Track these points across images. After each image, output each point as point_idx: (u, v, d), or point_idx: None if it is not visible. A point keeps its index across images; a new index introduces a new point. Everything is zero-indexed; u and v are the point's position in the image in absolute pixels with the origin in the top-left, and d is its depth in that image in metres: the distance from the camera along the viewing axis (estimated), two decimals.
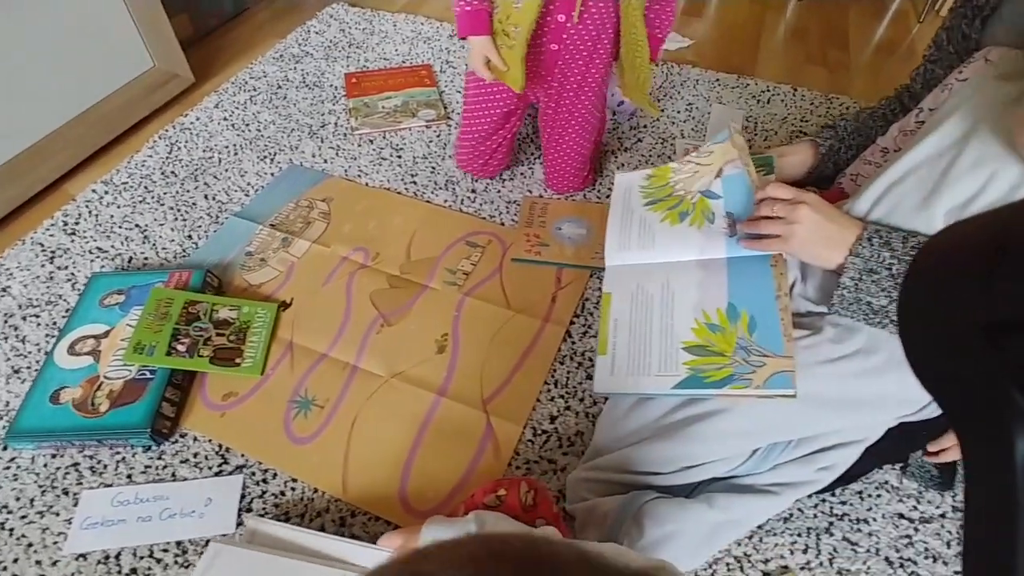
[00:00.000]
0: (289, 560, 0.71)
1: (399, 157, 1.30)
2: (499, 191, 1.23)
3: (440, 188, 1.23)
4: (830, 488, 0.79)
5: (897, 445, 0.74)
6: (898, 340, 0.68)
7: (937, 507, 0.84)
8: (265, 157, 1.30)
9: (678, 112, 1.42)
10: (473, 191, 1.23)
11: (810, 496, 0.82)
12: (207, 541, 0.79)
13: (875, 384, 0.69)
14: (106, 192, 1.21)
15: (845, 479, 0.78)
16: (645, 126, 1.38)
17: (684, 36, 1.67)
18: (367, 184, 1.24)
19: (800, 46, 1.70)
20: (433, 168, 1.28)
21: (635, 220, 0.88)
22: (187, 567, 0.77)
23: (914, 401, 0.69)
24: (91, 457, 0.86)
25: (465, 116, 1.16)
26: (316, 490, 0.83)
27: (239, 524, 0.80)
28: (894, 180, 0.67)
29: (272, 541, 0.74)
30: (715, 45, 1.68)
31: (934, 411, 0.70)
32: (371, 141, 1.33)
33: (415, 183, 1.24)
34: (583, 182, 1.21)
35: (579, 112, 1.08)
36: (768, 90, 1.49)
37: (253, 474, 0.85)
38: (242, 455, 0.87)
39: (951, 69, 0.76)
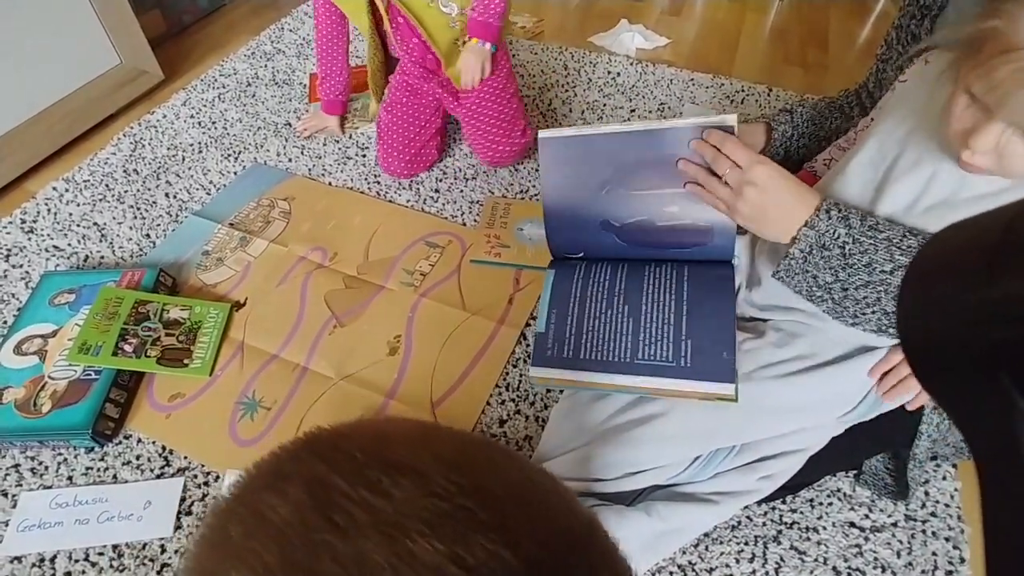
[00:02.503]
0: None
1: (363, 156, 1.28)
2: (462, 191, 1.21)
3: (403, 188, 1.22)
4: (775, 497, 0.78)
5: (841, 455, 0.73)
6: (838, 345, 0.66)
7: (889, 516, 0.82)
8: (229, 155, 1.28)
9: (649, 112, 1.40)
10: (436, 191, 1.22)
11: (759, 504, 0.80)
12: (144, 544, 0.78)
13: (813, 385, 0.67)
14: (66, 190, 1.20)
15: (790, 488, 0.77)
16: None
17: (661, 35, 1.66)
18: (330, 183, 1.23)
19: (779, 47, 1.68)
20: None
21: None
22: (122, 571, 0.76)
23: (851, 397, 0.68)
24: (32, 458, 0.85)
25: (381, 128, 1.20)
26: None
27: (176, 527, 0.79)
28: (841, 181, 0.65)
29: None
30: (693, 45, 1.67)
31: (871, 409, 0.69)
32: (336, 141, 1.32)
33: (379, 183, 1.23)
34: (524, 141, 1.21)
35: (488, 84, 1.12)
36: (743, 90, 1.47)
37: (195, 477, 0.84)
38: (185, 457, 0.85)
39: (901, 70, 0.75)
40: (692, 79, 1.50)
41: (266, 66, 1.52)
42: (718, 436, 0.70)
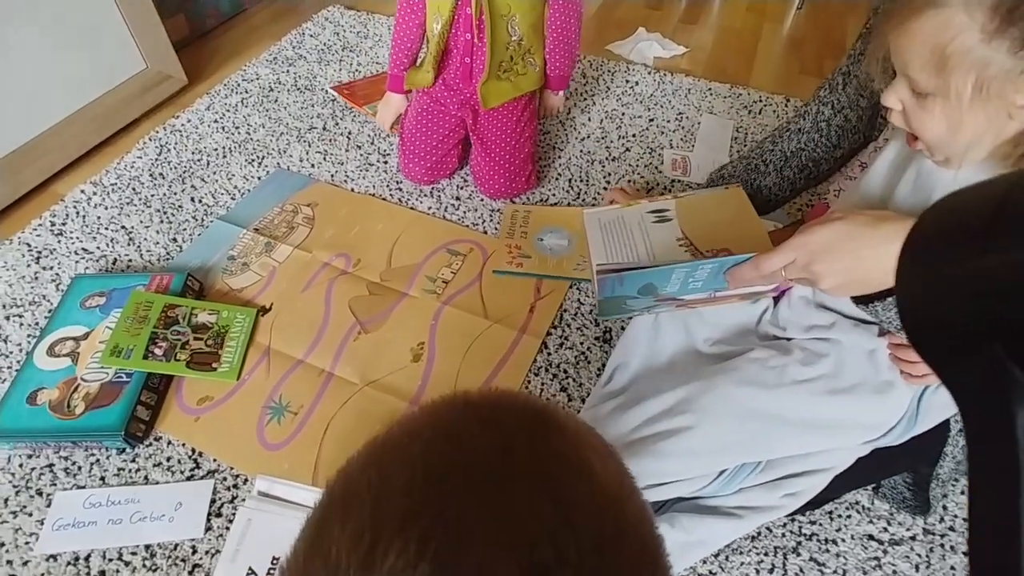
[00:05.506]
0: None
1: (385, 163, 1.30)
2: (482, 199, 1.23)
3: (425, 195, 1.24)
4: (797, 511, 0.78)
5: (866, 473, 0.74)
6: (862, 366, 0.67)
7: (908, 529, 0.83)
8: (253, 160, 1.30)
9: (668, 121, 1.41)
10: (457, 198, 1.23)
11: None
12: (176, 545, 0.80)
13: (840, 406, 0.68)
14: (94, 193, 1.22)
15: (813, 504, 0.77)
16: (634, 135, 1.38)
17: (679, 43, 1.67)
18: (353, 190, 1.25)
19: (795, 56, 1.69)
20: None
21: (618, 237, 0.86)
22: (155, 570, 0.78)
23: (879, 425, 0.69)
24: (66, 459, 0.87)
25: (405, 133, 1.21)
26: None
27: (207, 529, 0.81)
28: (850, 206, 0.66)
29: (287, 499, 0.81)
30: (710, 54, 1.67)
31: (900, 436, 0.70)
32: (359, 147, 1.33)
33: (400, 189, 1.25)
34: (527, 188, 1.23)
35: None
36: (760, 100, 1.48)
37: (224, 479, 0.85)
38: (214, 460, 0.87)
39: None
40: (710, 89, 1.51)
41: (288, 71, 1.53)
42: (744, 450, 0.71)
